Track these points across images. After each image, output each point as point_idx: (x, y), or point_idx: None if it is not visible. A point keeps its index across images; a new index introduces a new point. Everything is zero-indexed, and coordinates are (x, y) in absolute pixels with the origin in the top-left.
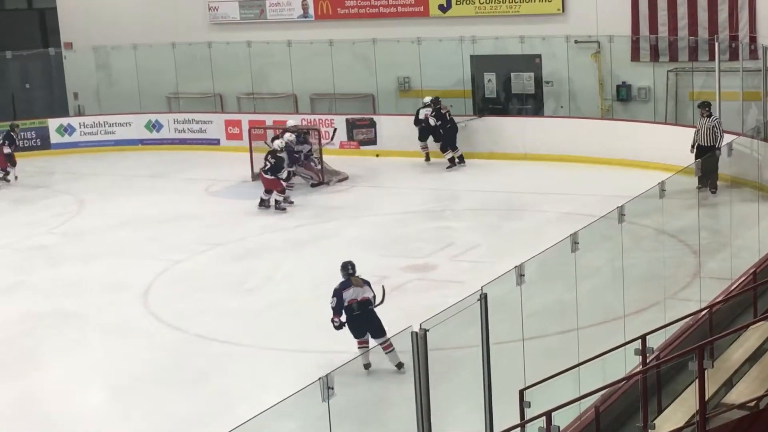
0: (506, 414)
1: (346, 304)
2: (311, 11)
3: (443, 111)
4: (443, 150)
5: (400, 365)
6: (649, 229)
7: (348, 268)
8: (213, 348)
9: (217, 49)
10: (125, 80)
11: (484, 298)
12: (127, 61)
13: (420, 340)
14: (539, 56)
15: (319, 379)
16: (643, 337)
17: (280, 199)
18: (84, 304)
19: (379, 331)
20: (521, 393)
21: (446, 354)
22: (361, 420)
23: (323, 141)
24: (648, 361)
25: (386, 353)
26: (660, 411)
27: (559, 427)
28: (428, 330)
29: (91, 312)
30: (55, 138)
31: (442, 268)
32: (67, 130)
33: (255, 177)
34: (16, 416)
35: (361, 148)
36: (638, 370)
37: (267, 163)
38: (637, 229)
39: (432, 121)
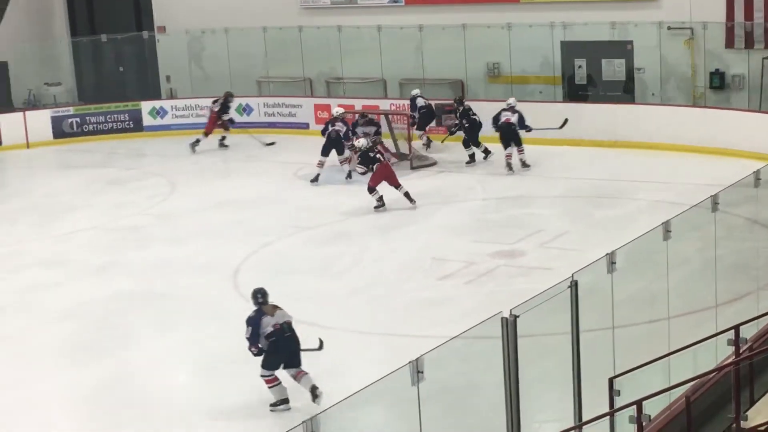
0: (595, 402)
1: (271, 329)
2: None
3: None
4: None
5: (314, 388)
6: (741, 219)
7: (258, 296)
8: (300, 330)
9: (308, 33)
10: (216, 64)
11: (574, 285)
12: (218, 44)
13: (510, 326)
14: (631, 42)
15: (409, 362)
16: (737, 328)
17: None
18: (174, 285)
19: (297, 357)
20: (611, 381)
21: (535, 340)
22: (449, 404)
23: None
24: (741, 352)
25: (299, 380)
26: (752, 402)
27: (650, 416)
28: (518, 316)
29: (180, 293)
30: (147, 120)
31: (531, 254)
32: (160, 112)
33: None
34: (106, 395)
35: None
36: (731, 360)
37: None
38: (730, 218)
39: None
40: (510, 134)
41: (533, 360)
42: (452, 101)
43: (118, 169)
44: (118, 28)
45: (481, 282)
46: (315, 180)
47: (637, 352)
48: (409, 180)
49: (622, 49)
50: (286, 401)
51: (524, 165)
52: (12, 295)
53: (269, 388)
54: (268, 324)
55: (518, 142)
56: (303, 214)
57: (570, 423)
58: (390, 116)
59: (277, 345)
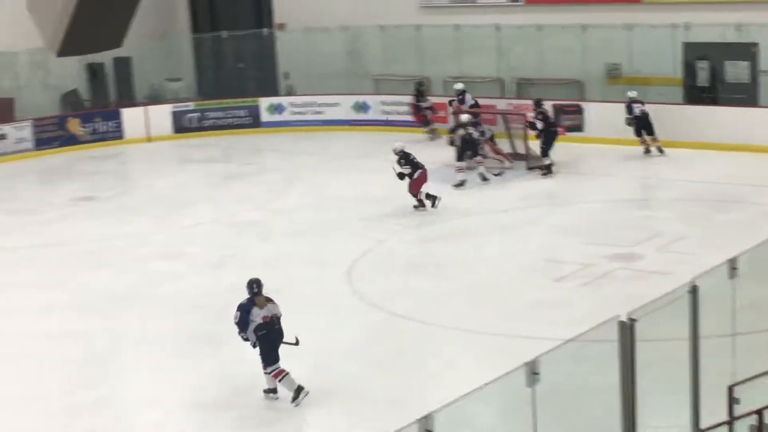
0: (713, 410)
1: (260, 321)
2: None
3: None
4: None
5: (274, 390)
6: None
7: (253, 286)
8: (412, 328)
9: (426, 32)
10: (335, 61)
11: (694, 291)
12: (336, 42)
13: (627, 330)
14: (756, 44)
15: (525, 363)
16: None
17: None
18: (290, 280)
19: (277, 352)
20: (730, 389)
21: (653, 345)
22: (563, 407)
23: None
24: None
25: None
26: None
27: None
28: (636, 320)
29: (296, 287)
30: (265, 116)
31: (648, 258)
32: (277, 109)
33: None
34: (216, 387)
35: (568, 134)
36: None
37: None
38: None
39: (539, 125)
40: (646, 123)
41: (650, 365)
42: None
43: (237, 164)
44: (239, 25)
45: (598, 285)
46: (461, 185)
47: (758, 360)
48: (525, 180)
49: (747, 51)
50: (301, 388)
51: (661, 151)
52: (135, 286)
53: (279, 381)
54: (258, 315)
55: (652, 131)
56: (419, 213)
57: (687, 430)
58: (507, 116)
59: (268, 338)
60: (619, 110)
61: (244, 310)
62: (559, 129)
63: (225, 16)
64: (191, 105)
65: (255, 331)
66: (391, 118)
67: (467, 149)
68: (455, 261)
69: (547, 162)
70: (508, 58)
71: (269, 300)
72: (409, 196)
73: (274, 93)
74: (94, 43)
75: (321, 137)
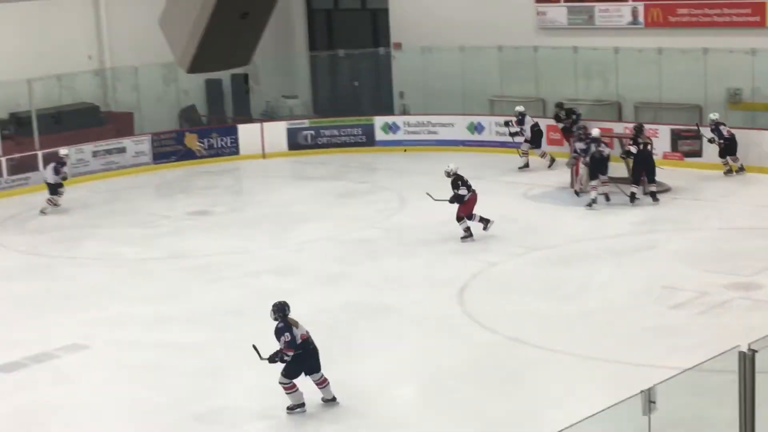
0: None
1: (299, 340)
2: (641, 18)
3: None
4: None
5: (333, 399)
6: None
7: (285, 308)
8: (525, 351)
9: (543, 53)
10: (450, 81)
11: None
12: (453, 62)
13: (748, 361)
14: None
15: (641, 392)
16: None
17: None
18: (402, 299)
19: (318, 364)
20: None
21: None
22: None
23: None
24: None
25: (321, 388)
26: None
27: None
28: (757, 351)
29: (408, 306)
30: (379, 135)
31: None
32: (392, 128)
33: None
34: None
35: (686, 159)
36: None
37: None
38: None
39: (633, 149)
40: (733, 145)
41: None
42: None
43: (350, 182)
44: (356, 44)
45: (715, 314)
46: (593, 204)
47: None
48: (642, 206)
49: None
50: (302, 405)
51: (741, 170)
52: (247, 300)
53: (288, 393)
54: (298, 334)
55: (735, 153)
56: (532, 235)
57: None
58: (624, 140)
59: (302, 356)
60: (742, 136)
61: (288, 331)
62: (678, 155)
63: (342, 35)
64: (306, 122)
65: (296, 349)
66: (505, 139)
67: (598, 167)
68: (569, 285)
69: (633, 189)
70: (627, 81)
71: (296, 321)
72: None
73: (389, 112)
74: (224, 60)
75: (435, 157)
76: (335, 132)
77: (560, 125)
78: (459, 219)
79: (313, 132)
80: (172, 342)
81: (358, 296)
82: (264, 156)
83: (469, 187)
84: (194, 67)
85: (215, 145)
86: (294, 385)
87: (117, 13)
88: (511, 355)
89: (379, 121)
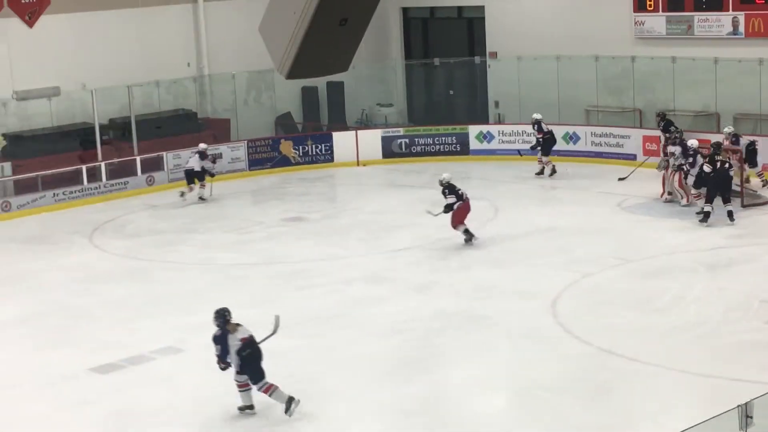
0: None
1: (240, 344)
2: (741, 29)
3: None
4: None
5: (290, 399)
6: None
7: (225, 315)
8: (617, 363)
9: (641, 63)
10: (546, 91)
11: None
12: (548, 71)
13: None
14: None
15: (738, 406)
16: None
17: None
18: (493, 309)
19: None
20: None
21: None
22: None
23: None
24: None
25: (242, 391)
26: None
27: None
28: None
29: (499, 316)
30: (474, 144)
31: None
32: (486, 137)
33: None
34: (419, 411)
35: None
36: None
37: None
38: None
39: (707, 168)
40: (751, 156)
41: None
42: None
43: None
44: (451, 53)
45: None
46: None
47: None
48: (738, 218)
49: None
50: (292, 399)
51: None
52: (339, 307)
53: (241, 392)
54: (234, 339)
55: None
56: (626, 246)
57: None
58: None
59: (253, 356)
60: None
61: (221, 341)
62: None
63: (438, 44)
64: (401, 131)
65: (239, 353)
66: (600, 149)
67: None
68: (663, 297)
69: (707, 209)
70: (726, 91)
71: (239, 324)
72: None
73: (484, 121)
74: (323, 66)
75: (529, 167)
76: (429, 141)
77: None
78: (454, 227)
79: (407, 140)
80: (264, 347)
81: (449, 305)
82: (358, 163)
83: (459, 196)
84: (293, 73)
85: (310, 152)
86: (271, 385)
87: (216, 21)
88: (604, 367)
89: (473, 130)
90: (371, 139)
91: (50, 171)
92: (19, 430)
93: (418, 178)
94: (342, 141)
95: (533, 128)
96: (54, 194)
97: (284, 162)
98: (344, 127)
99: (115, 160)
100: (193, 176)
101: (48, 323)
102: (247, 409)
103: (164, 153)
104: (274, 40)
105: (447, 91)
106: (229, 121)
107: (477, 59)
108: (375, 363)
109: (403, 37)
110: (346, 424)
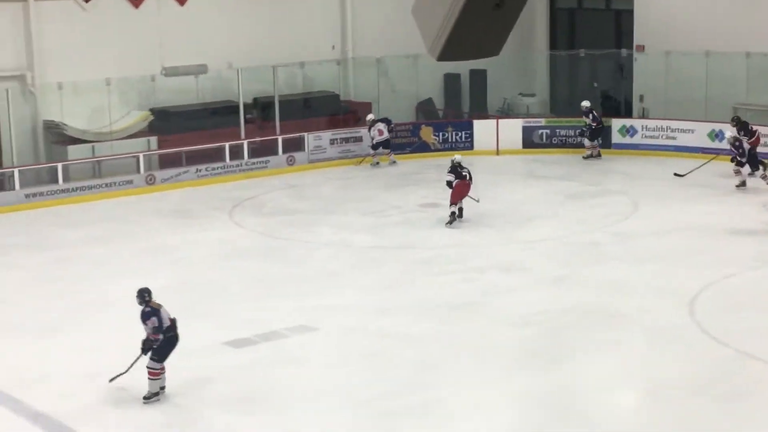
0: None
1: (169, 323)
2: None
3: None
4: None
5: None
6: None
7: (145, 295)
8: (757, 367)
9: None
10: (693, 87)
11: None
12: (697, 67)
13: None
14: None
15: None
16: None
17: None
18: (628, 305)
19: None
20: None
21: None
22: None
23: None
24: None
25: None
26: None
27: None
28: None
29: (634, 313)
30: (616, 138)
31: None
32: (629, 131)
33: None
34: (546, 404)
35: None
36: None
37: None
38: None
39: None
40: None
41: None
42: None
43: (581, 184)
44: (597, 44)
45: None
46: None
47: None
48: None
49: None
50: (158, 394)
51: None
52: (472, 295)
53: (153, 379)
54: (166, 317)
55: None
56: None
57: None
58: None
59: (173, 339)
60: None
61: (155, 314)
62: None
63: (584, 35)
64: (542, 121)
65: (165, 332)
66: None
67: None
68: None
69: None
70: None
71: (161, 305)
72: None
73: (628, 115)
74: (474, 49)
75: (672, 163)
76: (571, 132)
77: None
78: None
79: (548, 131)
80: (395, 332)
81: (582, 300)
82: (498, 152)
83: (458, 174)
84: (444, 55)
85: (450, 139)
86: (163, 369)
87: (362, 4)
88: (742, 370)
89: (616, 123)
90: (512, 129)
91: (194, 147)
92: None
93: (558, 170)
94: (482, 129)
95: (586, 117)
96: (197, 170)
97: (423, 148)
98: (485, 116)
99: (257, 139)
100: (380, 145)
101: (186, 296)
102: (155, 396)
103: (305, 134)
104: (427, 21)
105: (591, 82)
106: (371, 105)
107: (624, 52)
108: (504, 353)
109: (549, 28)
110: (471, 413)
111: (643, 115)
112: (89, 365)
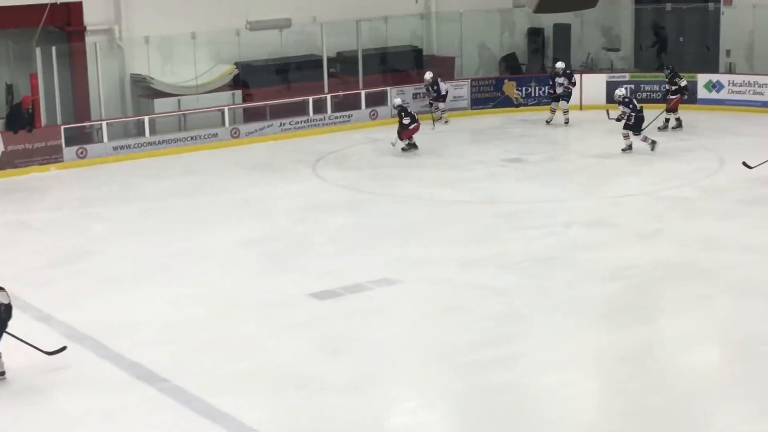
0: None
1: (3, 306)
2: None
3: None
4: None
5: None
6: None
7: None
8: None
9: None
10: None
11: None
12: None
13: None
14: None
15: None
16: None
17: None
18: (715, 262)
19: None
20: None
21: None
22: None
23: None
24: None
25: None
26: None
27: None
28: None
29: (721, 270)
30: (702, 93)
31: None
32: (716, 86)
33: None
34: (631, 359)
35: None
36: None
37: None
38: None
39: None
40: None
41: None
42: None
43: (669, 139)
44: None
45: None
46: None
47: None
48: None
49: None
50: (3, 373)
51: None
52: (556, 249)
53: None
54: (4, 299)
55: None
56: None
57: None
58: None
59: (5, 321)
60: None
61: None
62: None
63: None
64: (626, 76)
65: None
66: None
67: None
68: None
69: None
70: None
71: (2, 288)
72: None
73: (714, 70)
74: (570, 1)
75: (757, 118)
76: (655, 87)
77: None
78: (401, 140)
79: (632, 86)
80: (479, 285)
81: (669, 255)
82: (581, 107)
83: (413, 117)
84: (541, 8)
85: (533, 95)
86: None
87: None
88: None
89: (702, 78)
90: (595, 84)
91: (278, 101)
92: (235, 349)
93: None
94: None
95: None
96: (281, 123)
97: (506, 103)
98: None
99: (341, 93)
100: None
101: (270, 248)
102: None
103: (388, 88)
104: None
105: (677, 37)
106: (454, 60)
107: (711, 6)
108: (590, 308)
109: None
110: (556, 367)
111: (730, 70)
112: (177, 314)
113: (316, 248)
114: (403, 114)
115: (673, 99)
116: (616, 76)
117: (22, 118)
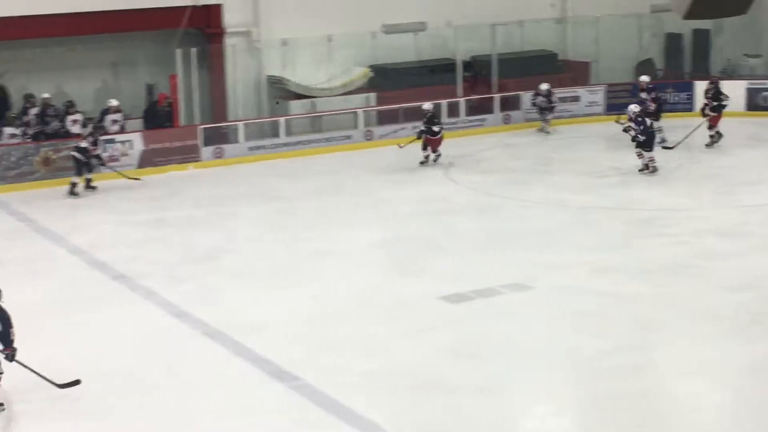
0: None
1: None
2: None
3: None
4: None
5: None
6: None
7: None
8: None
9: None
10: None
11: None
12: None
13: None
14: None
15: None
16: None
17: None
18: None
19: None
20: None
21: None
22: None
23: None
24: None
25: None
26: None
27: None
28: None
29: None
30: None
31: None
32: None
33: None
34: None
35: None
36: None
37: None
38: None
39: None
40: None
41: None
42: None
43: None
44: None
45: None
46: None
47: None
48: None
49: None
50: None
51: None
52: (688, 257)
53: None
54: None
55: None
56: None
57: None
58: None
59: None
60: None
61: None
62: None
63: None
64: (767, 83)
65: None
66: None
67: None
68: None
69: None
70: None
71: None
72: None
73: None
74: (720, 8)
75: None
76: None
77: None
78: (433, 151)
79: None
80: (610, 292)
81: None
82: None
83: (441, 127)
84: (691, 14)
85: (670, 101)
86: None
87: None
88: None
89: None
90: (735, 91)
91: (411, 104)
92: (367, 349)
93: None
94: (704, 91)
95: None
96: (414, 126)
97: None
98: (707, 77)
99: (475, 96)
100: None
101: (402, 250)
102: None
103: (522, 92)
104: None
105: None
106: (589, 65)
107: None
108: (722, 317)
109: None
110: (688, 375)
111: None
112: (309, 313)
113: (447, 251)
114: (435, 120)
115: (714, 116)
116: (757, 83)
117: (158, 116)
